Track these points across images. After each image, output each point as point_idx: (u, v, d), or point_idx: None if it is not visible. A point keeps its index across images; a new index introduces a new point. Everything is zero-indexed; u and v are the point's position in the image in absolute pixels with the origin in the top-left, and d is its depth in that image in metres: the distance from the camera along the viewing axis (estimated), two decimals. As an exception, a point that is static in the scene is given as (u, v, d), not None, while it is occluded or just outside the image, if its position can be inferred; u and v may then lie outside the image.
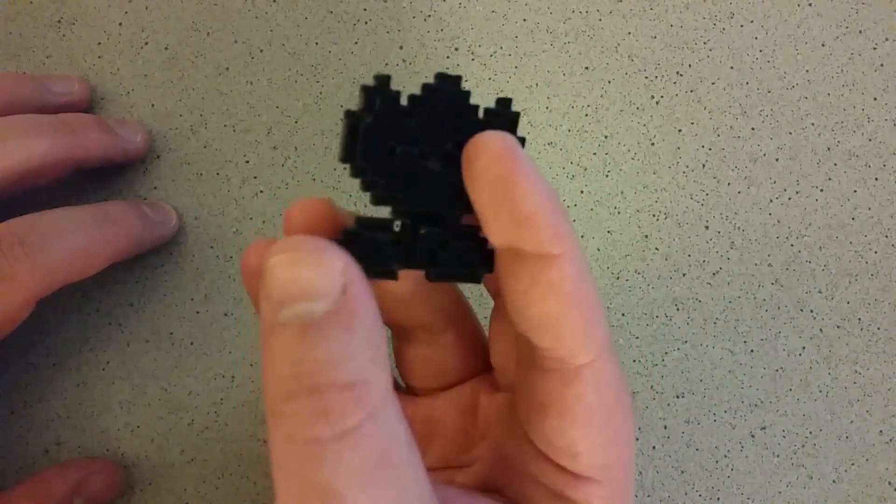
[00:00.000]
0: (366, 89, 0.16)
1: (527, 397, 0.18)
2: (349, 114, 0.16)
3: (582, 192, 0.30)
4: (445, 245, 0.17)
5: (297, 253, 0.14)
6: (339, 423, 0.14)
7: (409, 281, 0.20)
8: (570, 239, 0.16)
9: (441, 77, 0.17)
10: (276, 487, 0.15)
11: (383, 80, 0.16)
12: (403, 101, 0.16)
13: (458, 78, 0.17)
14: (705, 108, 0.31)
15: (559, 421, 0.17)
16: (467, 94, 0.17)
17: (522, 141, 0.17)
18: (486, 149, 0.15)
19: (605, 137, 0.30)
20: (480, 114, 0.17)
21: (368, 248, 0.17)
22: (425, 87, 0.17)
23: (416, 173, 0.17)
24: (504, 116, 0.17)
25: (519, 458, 0.19)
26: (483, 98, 0.31)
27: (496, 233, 0.16)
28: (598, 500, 0.18)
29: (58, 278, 0.24)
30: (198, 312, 0.29)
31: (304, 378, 0.14)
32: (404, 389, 0.24)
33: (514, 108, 0.18)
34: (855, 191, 0.30)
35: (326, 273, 0.14)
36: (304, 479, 0.14)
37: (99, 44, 0.30)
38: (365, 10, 0.31)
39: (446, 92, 0.17)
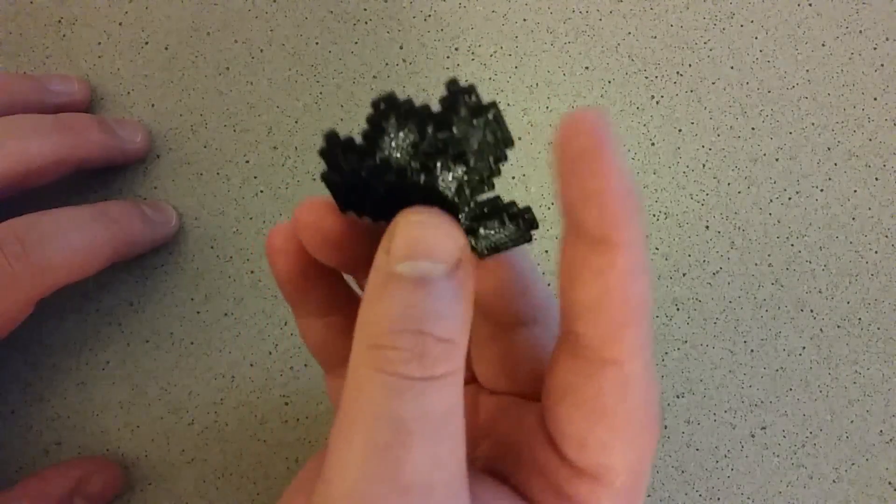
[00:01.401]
0: (321, 153, 0.17)
1: (553, 377, 0.19)
2: (323, 177, 0.17)
3: (582, 192, 0.30)
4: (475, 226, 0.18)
5: (427, 218, 0.17)
6: (429, 368, 0.15)
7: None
8: (632, 232, 0.16)
9: (376, 101, 0.17)
10: (342, 420, 0.15)
11: (331, 135, 0.17)
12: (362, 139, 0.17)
13: (392, 93, 0.17)
14: (705, 108, 0.31)
15: (574, 410, 0.18)
16: (409, 101, 0.17)
17: (494, 104, 0.17)
18: (574, 123, 0.16)
19: (606, 137, 0.30)
20: (436, 107, 0.17)
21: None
22: (369, 118, 0.17)
23: (408, 188, 0.17)
24: (460, 95, 0.17)
25: (527, 447, 0.19)
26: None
27: (565, 204, 0.16)
28: (594, 501, 0.18)
29: (58, 278, 0.24)
30: (198, 312, 0.29)
31: (412, 320, 0.15)
32: None
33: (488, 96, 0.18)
34: (855, 191, 0.30)
35: (449, 242, 0.16)
36: (381, 409, 0.15)
37: (99, 44, 0.30)
38: (365, 10, 0.31)
39: (391, 109, 0.17)
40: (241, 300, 0.29)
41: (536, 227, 0.18)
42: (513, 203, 0.18)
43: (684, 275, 0.30)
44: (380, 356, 0.15)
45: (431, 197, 0.17)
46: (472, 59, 0.31)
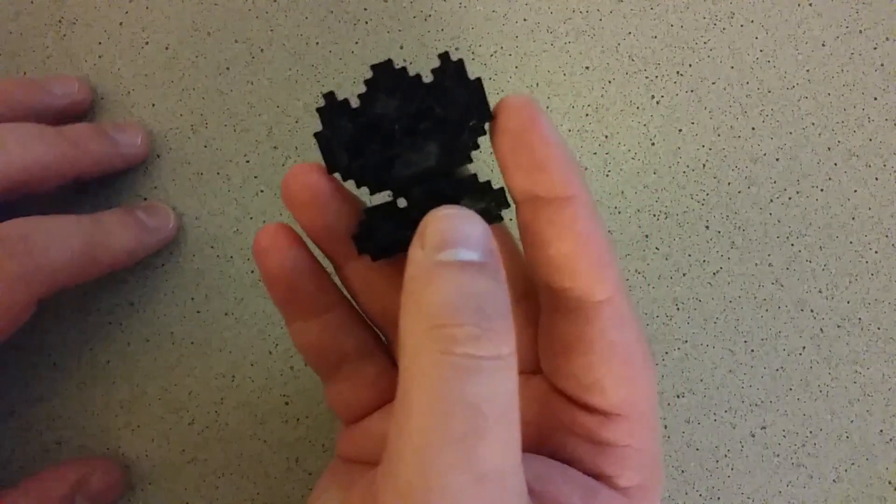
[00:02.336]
0: (318, 110, 0.19)
1: (551, 342, 0.19)
2: (316, 135, 0.19)
3: (582, 191, 0.30)
4: (447, 199, 0.19)
5: (453, 212, 0.17)
6: (497, 346, 0.15)
7: None
8: (580, 184, 0.18)
9: (374, 67, 0.18)
10: (406, 406, 0.15)
11: (329, 96, 0.19)
12: (356, 102, 0.19)
13: (389, 61, 0.18)
14: (706, 107, 0.31)
15: (585, 357, 0.18)
16: (403, 69, 0.18)
17: (479, 79, 0.18)
18: (509, 106, 0.18)
19: (606, 137, 0.30)
20: (427, 78, 0.19)
21: (381, 231, 0.19)
22: (366, 81, 0.18)
23: (394, 155, 0.19)
24: (450, 67, 0.18)
25: (547, 414, 0.20)
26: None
27: (515, 179, 0.18)
28: (627, 437, 0.19)
29: (60, 279, 0.24)
30: (198, 312, 0.29)
31: (470, 297, 0.15)
32: None
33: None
34: (855, 190, 0.30)
35: (480, 230, 0.17)
36: (450, 393, 0.15)
37: (99, 44, 0.30)
38: (365, 9, 0.31)
39: (386, 76, 0.18)
40: (242, 300, 0.29)
41: (507, 206, 0.19)
42: (488, 182, 0.19)
43: (684, 275, 0.30)
44: (445, 336, 0.15)
45: (415, 162, 0.19)
46: (473, 59, 0.31)
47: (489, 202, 0.19)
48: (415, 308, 0.16)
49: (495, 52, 0.31)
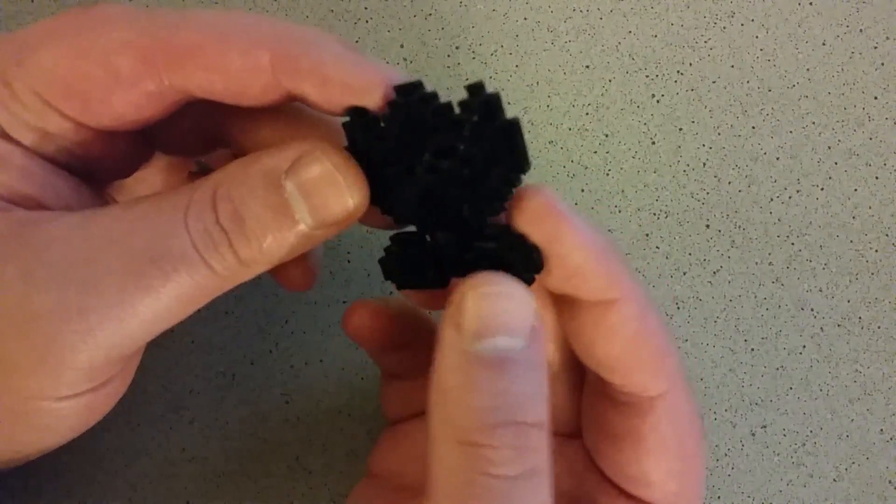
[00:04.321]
0: (344, 125, 0.16)
1: (597, 428, 0.18)
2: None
3: (582, 190, 0.30)
4: (472, 250, 0.16)
5: (498, 288, 0.15)
6: (529, 462, 0.14)
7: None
8: (625, 281, 0.16)
9: (399, 88, 0.16)
10: None
11: (356, 111, 0.16)
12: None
13: (419, 83, 0.16)
14: (706, 106, 0.31)
15: (633, 452, 0.17)
16: (434, 95, 0.16)
17: (517, 123, 0.15)
18: (525, 210, 0.15)
19: (606, 136, 0.30)
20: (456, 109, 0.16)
21: (405, 263, 0.17)
22: (391, 103, 0.16)
23: (416, 189, 0.16)
24: (481, 101, 0.15)
25: (585, 491, 0.19)
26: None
27: (552, 284, 0.16)
28: None
29: None
30: (198, 310, 0.29)
31: (505, 412, 0.14)
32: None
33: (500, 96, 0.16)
34: (856, 189, 0.30)
35: (524, 312, 0.15)
36: None
37: (99, 42, 0.30)
38: (366, 8, 0.31)
39: (412, 100, 0.16)
40: (242, 298, 0.29)
41: (540, 270, 0.16)
42: (522, 237, 0.16)
43: (685, 273, 0.30)
44: (478, 456, 0.14)
45: (437, 205, 0.16)
46: (473, 58, 0.31)
47: (521, 261, 0.16)
48: (446, 410, 0.15)
49: (495, 50, 0.31)
